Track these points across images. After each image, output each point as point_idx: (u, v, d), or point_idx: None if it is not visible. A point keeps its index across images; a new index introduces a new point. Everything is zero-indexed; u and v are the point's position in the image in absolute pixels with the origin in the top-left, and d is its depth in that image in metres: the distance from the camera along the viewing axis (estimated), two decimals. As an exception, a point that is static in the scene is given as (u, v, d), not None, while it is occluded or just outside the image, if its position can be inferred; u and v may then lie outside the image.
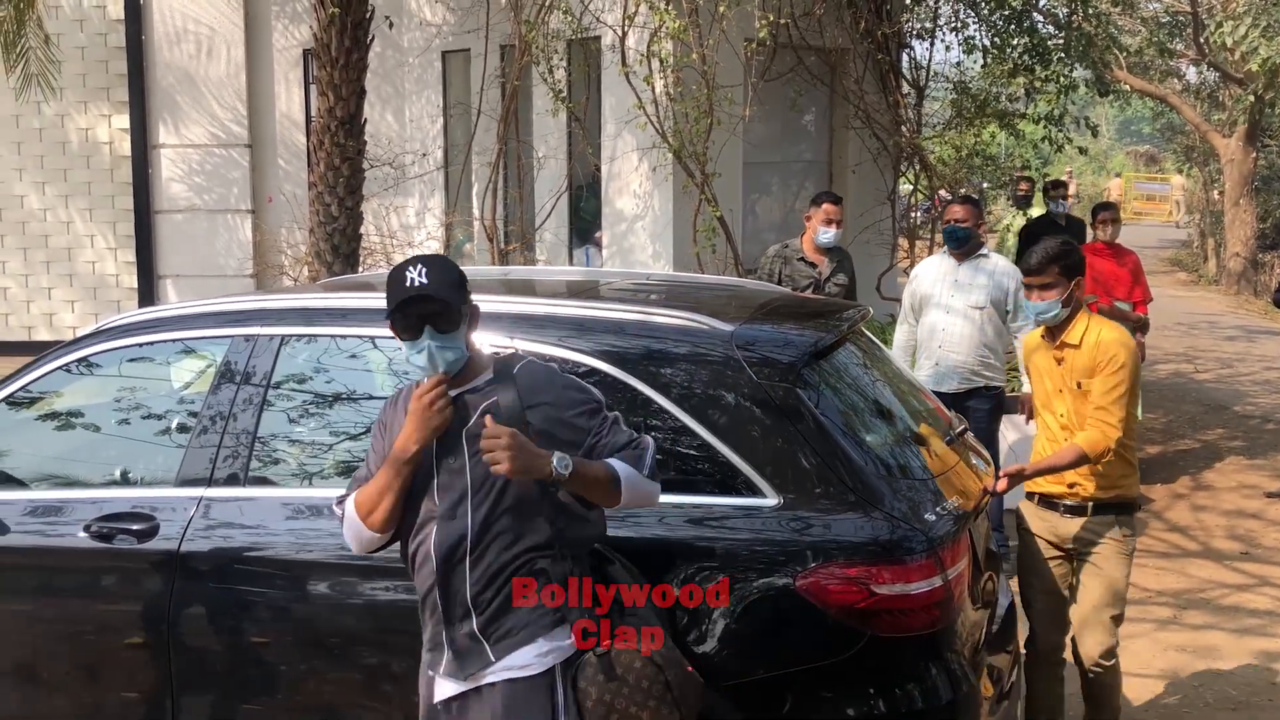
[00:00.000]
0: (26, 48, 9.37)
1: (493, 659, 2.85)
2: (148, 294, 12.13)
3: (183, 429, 3.84)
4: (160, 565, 3.55)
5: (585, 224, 10.27)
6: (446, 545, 2.87)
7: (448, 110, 11.10)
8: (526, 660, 2.85)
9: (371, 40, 8.91)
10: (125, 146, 12.01)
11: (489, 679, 2.86)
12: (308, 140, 11.49)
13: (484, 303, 3.66)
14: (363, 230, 9.29)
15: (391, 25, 10.60)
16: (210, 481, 3.60)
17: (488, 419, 2.79)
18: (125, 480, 3.84)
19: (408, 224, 11.42)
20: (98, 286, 12.22)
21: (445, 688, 2.92)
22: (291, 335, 3.71)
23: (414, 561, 2.95)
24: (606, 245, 9.84)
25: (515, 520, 2.86)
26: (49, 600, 3.72)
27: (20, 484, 3.90)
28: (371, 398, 3.76)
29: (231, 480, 3.59)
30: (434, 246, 11.06)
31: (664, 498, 3.23)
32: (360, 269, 9.46)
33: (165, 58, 11.90)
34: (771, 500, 3.23)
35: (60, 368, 3.85)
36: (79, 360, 3.88)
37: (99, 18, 11.87)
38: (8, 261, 12.12)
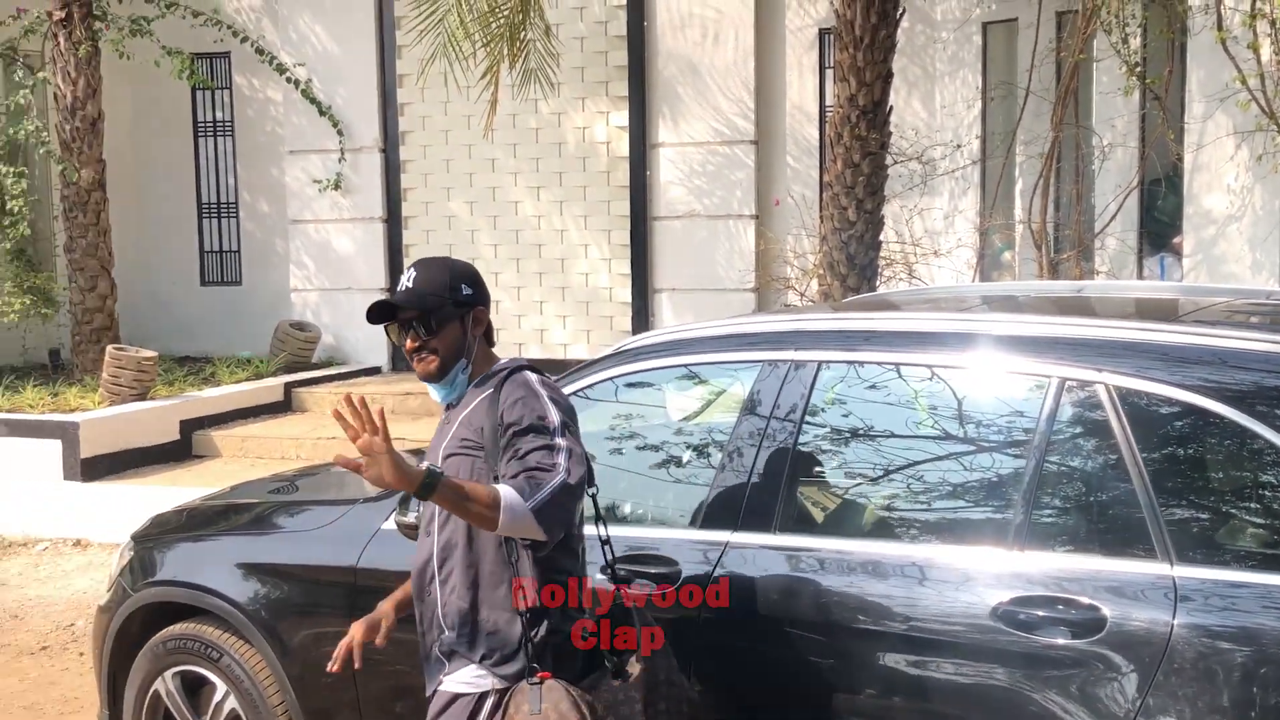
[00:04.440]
0: (528, 39, 10.16)
1: (442, 679, 3.35)
2: (642, 310, 12.95)
3: (692, 463, 4.07)
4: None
5: (1161, 227, 9.93)
6: (419, 563, 3.41)
7: (987, 93, 11.04)
8: (462, 681, 3.30)
9: (902, 14, 8.99)
10: (623, 146, 12.91)
11: (432, 688, 3.40)
12: (821, 134, 11.84)
13: (1039, 324, 3.58)
14: (881, 237, 9.40)
15: (925, -5, 10.69)
16: (737, 525, 3.74)
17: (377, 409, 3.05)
18: (635, 519, 4.08)
19: (933, 229, 11.43)
20: (590, 300, 13.19)
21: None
22: (829, 361, 3.79)
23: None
24: (1189, 253, 9.48)
25: (473, 540, 3.29)
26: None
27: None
28: (918, 437, 3.77)
29: (761, 525, 3.71)
30: (965, 255, 10.99)
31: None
32: (879, 283, 9.57)
33: (668, 46, 12.68)
34: None
35: (575, 393, 4.14)
36: (621, 377, 4.17)
37: (599, 4, 12.83)
38: (500, 273, 13.31)
